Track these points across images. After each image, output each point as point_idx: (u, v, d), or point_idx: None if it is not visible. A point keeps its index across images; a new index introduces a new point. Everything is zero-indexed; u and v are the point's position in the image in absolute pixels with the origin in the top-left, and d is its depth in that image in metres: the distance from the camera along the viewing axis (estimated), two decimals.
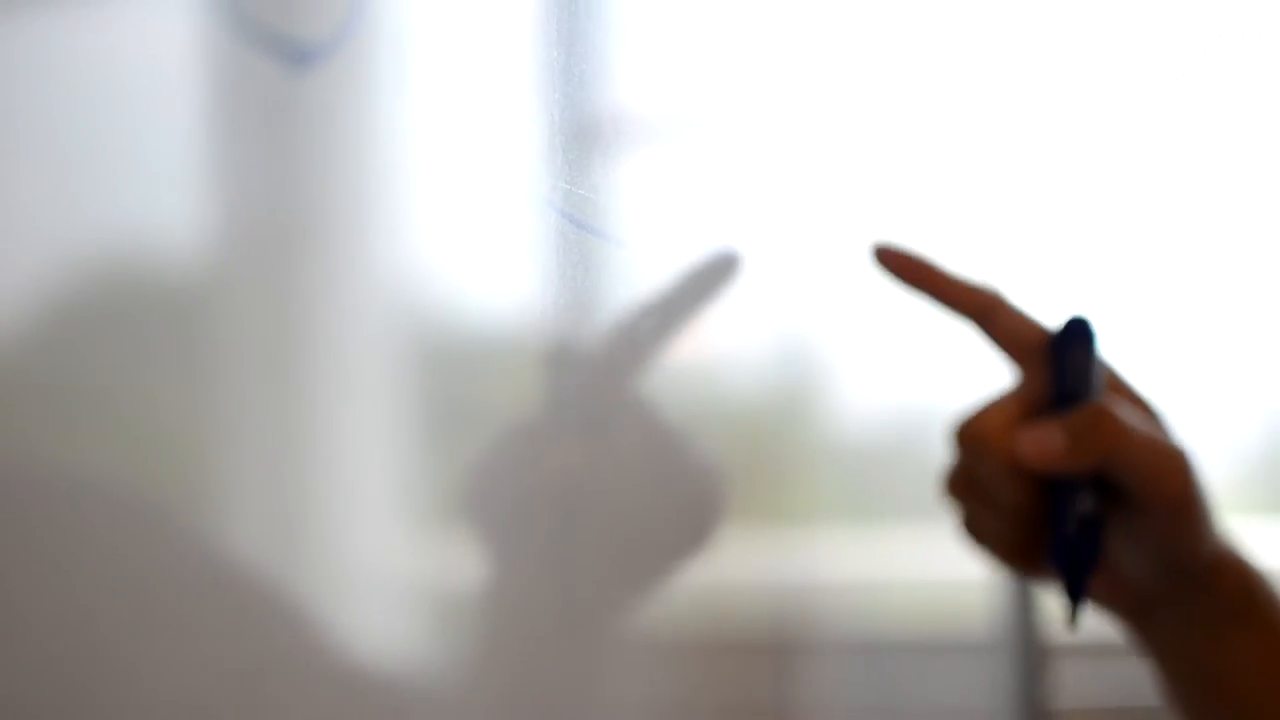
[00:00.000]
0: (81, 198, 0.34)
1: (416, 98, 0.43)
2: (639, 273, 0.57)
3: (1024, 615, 0.97)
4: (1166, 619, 0.67)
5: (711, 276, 0.59)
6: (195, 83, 0.37)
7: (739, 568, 0.66)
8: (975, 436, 0.66)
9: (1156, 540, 0.65)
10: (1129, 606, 0.68)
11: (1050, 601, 0.98)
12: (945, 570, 0.85)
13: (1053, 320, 0.68)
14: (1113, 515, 0.65)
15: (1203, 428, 1.59)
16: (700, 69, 0.60)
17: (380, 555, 0.45)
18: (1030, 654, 0.94)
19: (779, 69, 0.67)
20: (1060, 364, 0.66)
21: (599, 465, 0.53)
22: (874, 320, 0.73)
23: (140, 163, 0.35)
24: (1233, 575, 0.66)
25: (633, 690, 0.56)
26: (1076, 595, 0.64)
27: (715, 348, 0.63)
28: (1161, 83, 1.63)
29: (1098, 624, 0.69)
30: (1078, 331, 0.67)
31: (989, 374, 0.75)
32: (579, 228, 0.51)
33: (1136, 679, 0.72)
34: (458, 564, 0.48)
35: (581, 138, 0.53)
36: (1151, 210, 1.62)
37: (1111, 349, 0.69)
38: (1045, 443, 0.63)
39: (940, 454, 0.69)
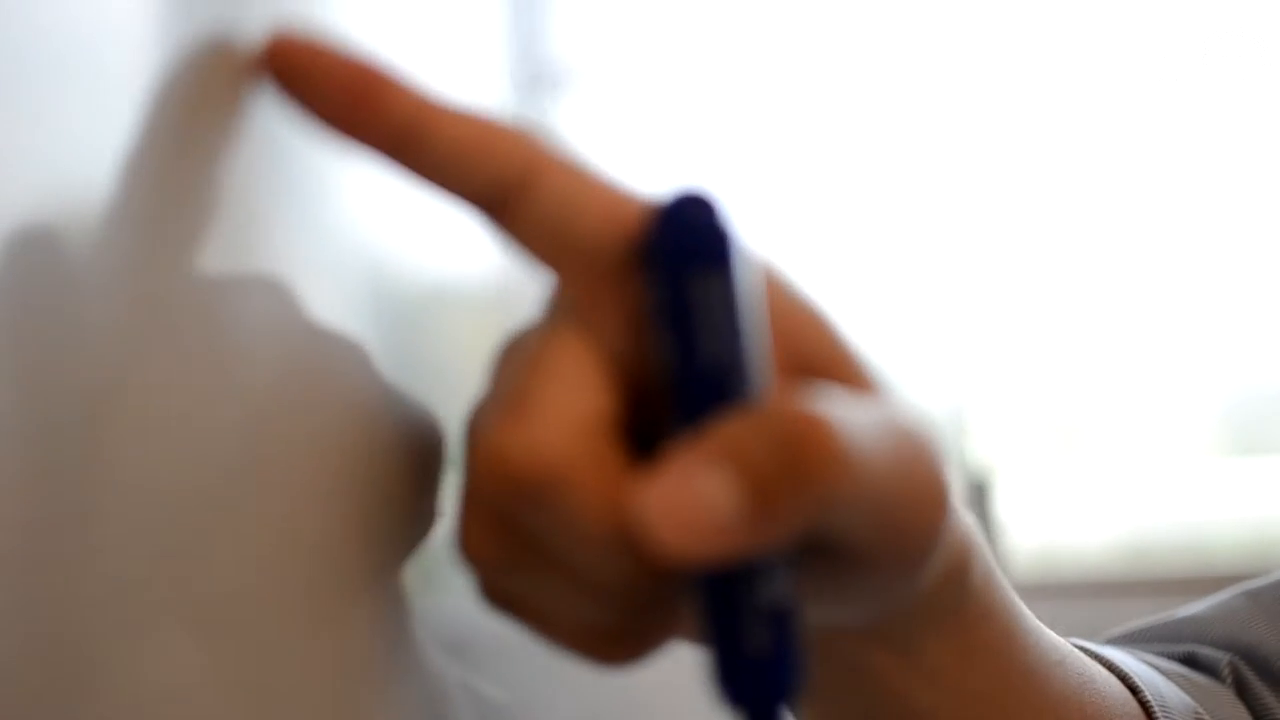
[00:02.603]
0: (18, 156, 0.34)
1: (370, 47, 0.44)
2: None
3: None
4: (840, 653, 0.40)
5: None
6: (141, 36, 0.37)
7: None
8: (531, 476, 0.32)
9: (869, 594, 0.36)
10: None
11: None
12: None
13: (652, 200, 0.34)
14: (801, 575, 0.35)
15: (1188, 374, 1.62)
16: (643, 22, 0.61)
17: None
18: None
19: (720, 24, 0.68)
20: (673, 296, 0.32)
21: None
22: None
23: (89, 121, 0.36)
24: (952, 571, 0.38)
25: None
26: None
27: None
28: (1161, 82, 1.63)
29: None
30: (695, 232, 0.32)
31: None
32: None
33: None
34: None
35: (532, 86, 0.55)
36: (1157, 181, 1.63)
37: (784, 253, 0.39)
38: (702, 517, 0.29)
39: None
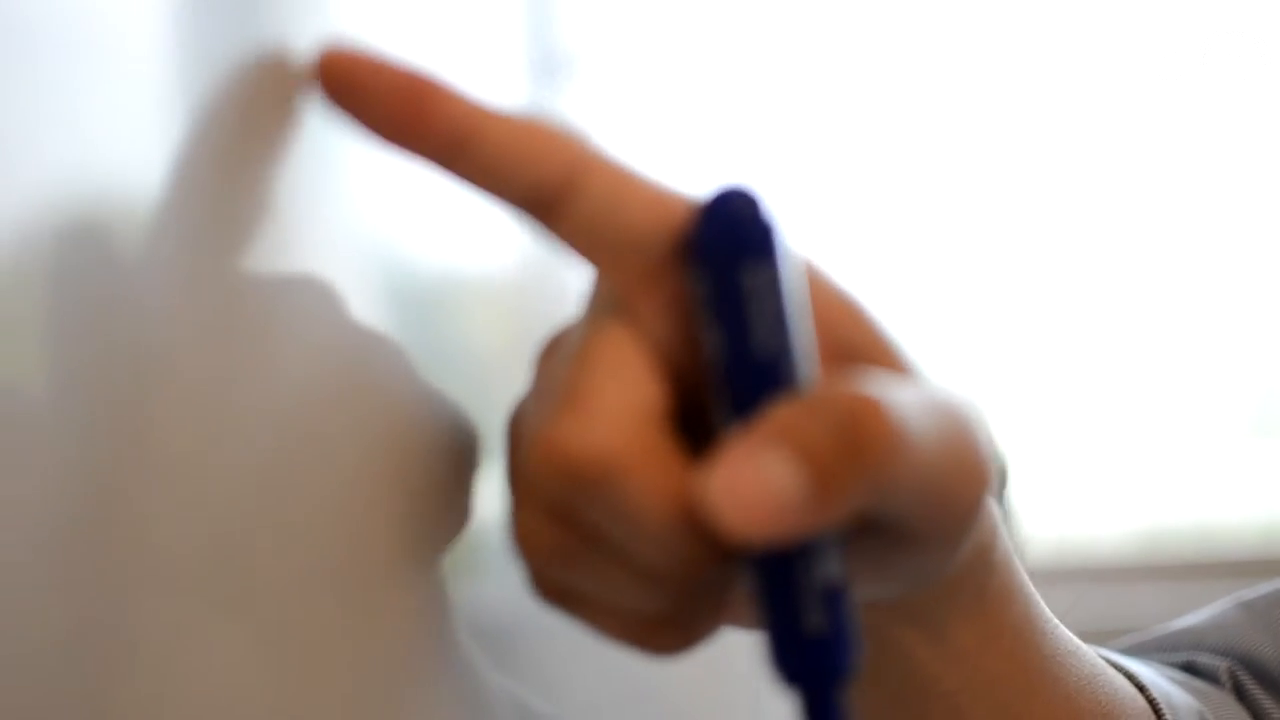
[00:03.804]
0: (40, 147, 0.34)
1: (382, 35, 0.45)
2: None
3: None
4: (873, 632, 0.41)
5: None
6: (159, 35, 0.37)
7: None
8: (586, 467, 0.32)
9: (908, 569, 0.37)
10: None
11: None
12: None
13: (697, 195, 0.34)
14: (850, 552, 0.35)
15: (1205, 360, 1.62)
16: (657, 7, 0.62)
17: None
18: None
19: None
20: (722, 289, 0.33)
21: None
22: None
23: (103, 117, 0.36)
24: (979, 549, 0.39)
25: None
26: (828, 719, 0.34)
27: None
28: (1162, 83, 1.64)
29: None
30: (741, 226, 0.33)
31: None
32: None
33: None
34: None
35: (545, 72, 0.55)
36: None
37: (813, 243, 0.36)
38: (766, 498, 0.30)
39: None
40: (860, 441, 0.31)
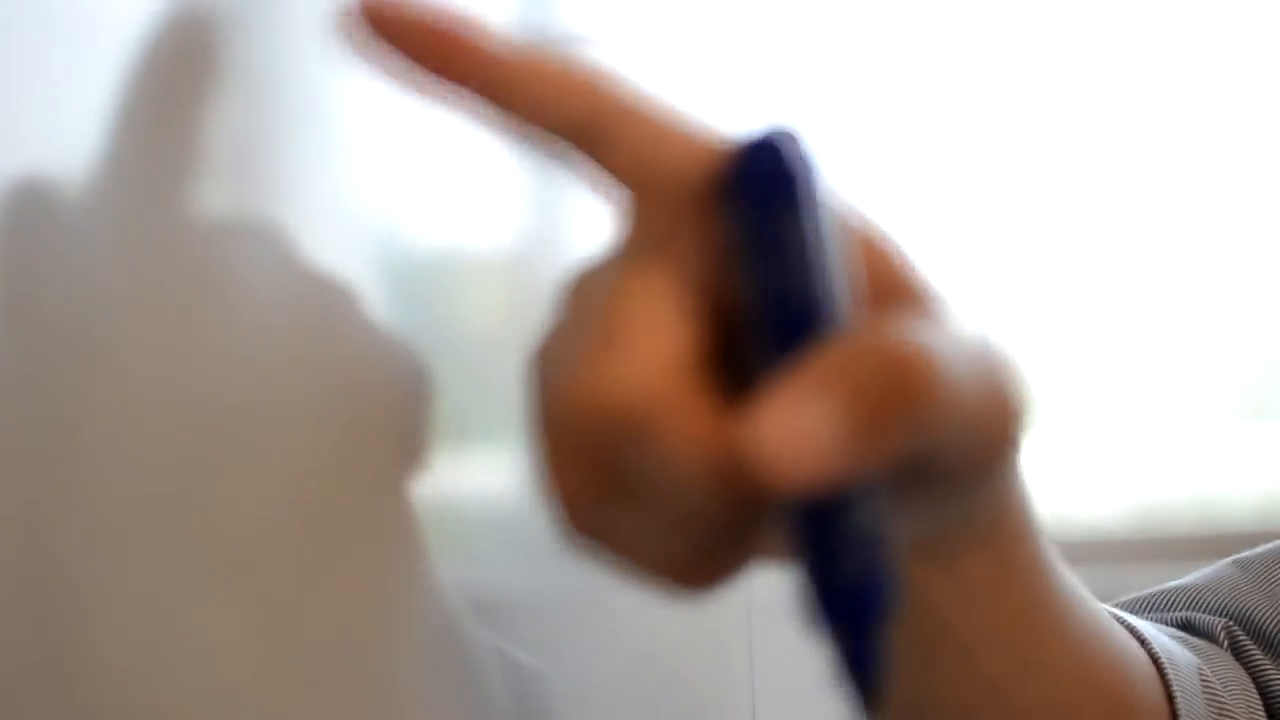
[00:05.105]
0: (29, 118, 0.34)
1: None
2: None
3: None
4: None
5: None
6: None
7: None
8: (619, 414, 0.32)
9: (940, 504, 0.38)
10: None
11: None
12: None
13: (733, 135, 0.34)
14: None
15: (1204, 340, 1.62)
16: None
17: None
18: None
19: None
20: (760, 231, 0.33)
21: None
22: None
23: (82, 75, 0.36)
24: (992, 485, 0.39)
25: None
26: (866, 663, 0.34)
27: None
28: (1162, 83, 1.65)
29: None
30: (779, 168, 0.33)
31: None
32: None
33: None
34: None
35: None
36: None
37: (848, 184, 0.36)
38: (812, 444, 0.30)
39: None
40: (906, 386, 0.31)
